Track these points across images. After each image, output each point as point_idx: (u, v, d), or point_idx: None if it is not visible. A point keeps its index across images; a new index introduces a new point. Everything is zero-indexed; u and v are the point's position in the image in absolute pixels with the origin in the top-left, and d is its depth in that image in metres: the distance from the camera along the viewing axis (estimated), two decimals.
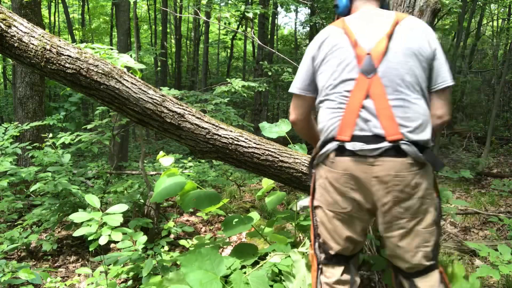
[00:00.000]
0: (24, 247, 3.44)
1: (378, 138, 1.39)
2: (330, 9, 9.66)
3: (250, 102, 13.81)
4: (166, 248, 3.11)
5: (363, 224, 1.53)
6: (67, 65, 1.76)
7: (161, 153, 2.30)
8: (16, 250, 3.42)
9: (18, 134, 4.00)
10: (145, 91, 1.91)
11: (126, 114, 1.92)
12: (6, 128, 4.01)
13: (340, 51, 1.50)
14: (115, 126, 4.13)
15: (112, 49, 2.61)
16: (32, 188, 3.36)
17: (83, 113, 11.90)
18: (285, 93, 19.63)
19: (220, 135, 2.04)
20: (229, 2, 4.24)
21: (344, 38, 1.50)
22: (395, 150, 1.38)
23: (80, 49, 1.84)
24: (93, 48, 2.52)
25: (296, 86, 1.63)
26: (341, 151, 1.45)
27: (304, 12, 16.61)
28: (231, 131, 2.09)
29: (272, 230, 2.61)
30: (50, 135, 3.88)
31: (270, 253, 2.22)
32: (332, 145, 1.48)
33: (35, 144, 4.19)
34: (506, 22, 13.38)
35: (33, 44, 1.72)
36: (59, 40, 1.80)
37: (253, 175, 7.47)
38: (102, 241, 2.02)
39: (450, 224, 4.36)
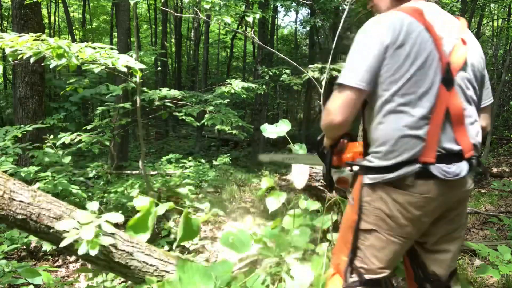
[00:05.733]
0: (24, 247, 3.44)
1: (457, 156, 1.31)
2: (329, 9, 9.66)
3: (250, 102, 13.82)
4: (166, 248, 3.11)
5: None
6: (18, 210, 1.78)
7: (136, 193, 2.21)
8: (16, 250, 3.42)
9: (20, 135, 4.01)
10: None
11: (73, 254, 1.95)
12: (7, 130, 4.01)
13: (424, 53, 1.26)
14: (115, 126, 4.13)
15: (112, 48, 2.62)
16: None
17: (83, 113, 11.90)
18: (285, 93, 19.63)
19: (168, 272, 2.03)
20: (228, 3, 4.23)
21: (428, 38, 1.27)
22: (468, 167, 1.33)
23: (35, 192, 1.87)
24: (94, 48, 2.52)
25: (357, 77, 1.26)
26: (423, 174, 1.27)
27: (304, 12, 16.61)
28: None
29: (273, 231, 2.59)
30: (51, 136, 3.88)
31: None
32: (413, 168, 1.27)
33: (35, 144, 4.19)
34: (506, 22, 13.39)
35: None
36: (14, 184, 1.83)
37: (253, 175, 7.47)
38: (81, 251, 1.96)
39: None
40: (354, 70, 1.27)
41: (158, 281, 1.94)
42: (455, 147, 1.29)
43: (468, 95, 1.34)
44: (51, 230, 1.83)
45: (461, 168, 1.30)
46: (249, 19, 3.72)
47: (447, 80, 1.27)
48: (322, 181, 2.63)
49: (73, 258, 3.45)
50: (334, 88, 1.31)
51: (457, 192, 1.35)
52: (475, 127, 1.36)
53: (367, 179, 1.35)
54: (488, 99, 1.50)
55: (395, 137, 1.27)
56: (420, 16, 1.28)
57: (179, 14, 7.07)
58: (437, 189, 1.29)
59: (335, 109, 1.30)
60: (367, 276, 1.40)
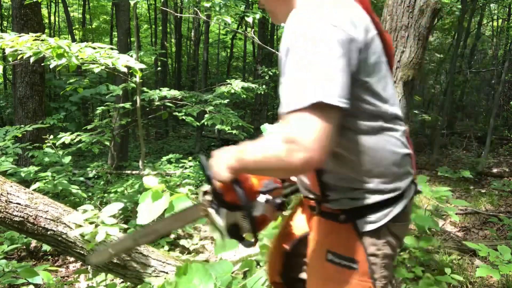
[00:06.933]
0: (24, 247, 3.44)
1: None
2: None
3: (250, 102, 13.83)
4: (166, 248, 3.11)
5: None
6: (15, 213, 1.80)
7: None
8: (16, 250, 3.42)
9: (20, 135, 4.01)
10: None
11: (71, 255, 1.98)
12: (7, 130, 4.01)
13: (382, 54, 0.99)
14: (115, 126, 4.13)
15: (112, 48, 2.62)
16: (32, 188, 3.36)
17: (83, 113, 11.91)
18: None
19: (166, 272, 2.06)
20: (228, 3, 4.22)
21: (377, 35, 0.98)
22: None
23: (32, 194, 1.89)
24: (94, 48, 2.52)
25: (337, 92, 0.81)
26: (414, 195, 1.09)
27: None
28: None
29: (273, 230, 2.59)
30: (51, 136, 3.88)
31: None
32: (413, 189, 1.07)
33: (35, 144, 4.19)
34: (506, 22, 13.39)
35: None
36: (11, 186, 1.84)
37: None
38: (100, 238, 2.01)
39: (450, 224, 4.36)
40: (331, 83, 0.82)
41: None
42: None
43: None
44: (49, 232, 1.84)
45: None
46: (249, 19, 3.72)
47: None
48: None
49: (73, 258, 3.45)
50: (290, 109, 0.82)
51: None
52: None
53: (367, 224, 0.99)
54: None
55: (398, 159, 1.00)
56: (367, 8, 0.99)
57: (179, 14, 7.08)
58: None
59: (312, 140, 0.80)
60: None
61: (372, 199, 0.99)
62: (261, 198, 1.09)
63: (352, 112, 0.90)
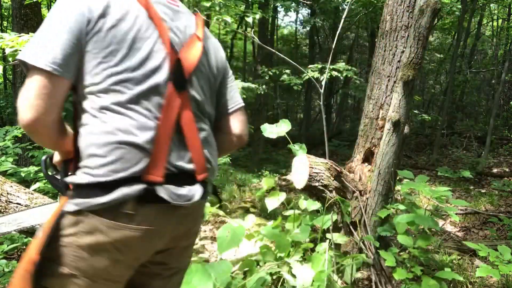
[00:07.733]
0: (24, 247, 3.44)
1: (189, 177, 1.06)
2: (329, 9, 9.67)
3: (250, 102, 13.84)
4: None
5: None
6: None
7: None
8: (16, 250, 3.42)
9: (20, 135, 4.02)
10: None
11: None
12: (7, 130, 4.02)
13: (144, 40, 0.99)
14: None
15: None
16: (32, 188, 3.36)
17: None
18: (285, 93, 19.66)
19: None
20: (228, 3, 4.23)
21: (149, 23, 1.01)
22: (202, 190, 1.09)
23: (32, 194, 1.89)
24: None
25: (52, 57, 0.90)
26: (147, 198, 0.97)
27: (304, 12, 16.64)
28: None
29: (273, 231, 2.60)
30: None
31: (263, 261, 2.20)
32: (135, 189, 0.95)
33: (35, 144, 4.19)
34: (506, 22, 13.40)
35: None
36: (11, 186, 1.85)
37: (253, 175, 7.47)
38: None
39: (450, 224, 4.36)
40: (44, 46, 0.90)
41: None
42: (188, 166, 1.05)
43: (201, 104, 1.11)
44: None
45: (194, 191, 1.05)
46: (249, 19, 3.73)
47: (178, 81, 1.03)
48: (322, 181, 2.61)
49: None
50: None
51: (187, 221, 1.09)
52: (210, 144, 1.14)
53: (70, 204, 0.95)
54: (235, 103, 1.26)
55: (106, 144, 0.94)
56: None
57: None
58: (163, 218, 1.01)
59: (23, 102, 0.90)
60: None
61: (82, 180, 0.96)
62: None
63: (83, 83, 0.97)
